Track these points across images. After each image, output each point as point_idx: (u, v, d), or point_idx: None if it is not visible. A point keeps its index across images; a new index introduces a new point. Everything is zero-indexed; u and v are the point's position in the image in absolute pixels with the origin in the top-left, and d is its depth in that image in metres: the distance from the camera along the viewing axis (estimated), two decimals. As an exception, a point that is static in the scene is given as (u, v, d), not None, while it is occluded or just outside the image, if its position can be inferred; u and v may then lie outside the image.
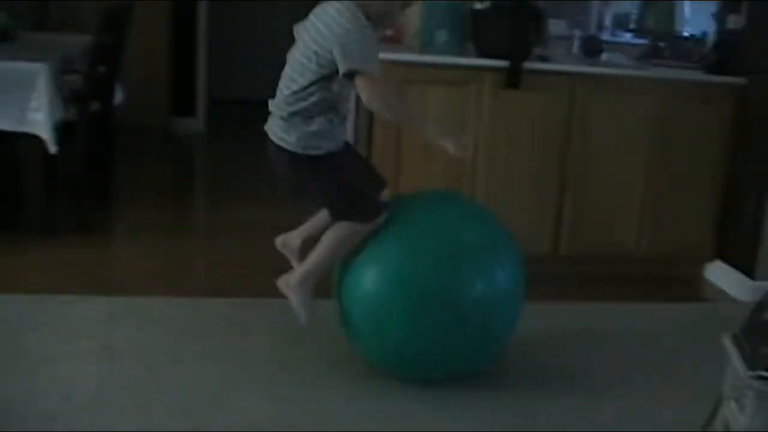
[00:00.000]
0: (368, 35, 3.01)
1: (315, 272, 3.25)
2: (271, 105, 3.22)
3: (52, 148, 4.58)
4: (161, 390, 3.12)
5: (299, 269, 3.28)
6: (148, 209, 5.63)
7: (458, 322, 3.08)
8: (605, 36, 6.65)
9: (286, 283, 3.29)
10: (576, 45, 5.30)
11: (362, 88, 2.99)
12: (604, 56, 5.13)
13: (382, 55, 4.40)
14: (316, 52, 3.03)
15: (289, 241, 3.47)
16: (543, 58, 4.62)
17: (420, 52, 4.58)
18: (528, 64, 4.46)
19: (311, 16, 3.13)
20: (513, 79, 4.44)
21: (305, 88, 3.07)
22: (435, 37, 4.66)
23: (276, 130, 3.16)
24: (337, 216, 3.19)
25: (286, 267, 3.40)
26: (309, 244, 3.34)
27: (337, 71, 2.99)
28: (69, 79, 4.98)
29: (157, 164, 7.15)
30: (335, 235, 3.18)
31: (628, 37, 6.80)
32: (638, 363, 3.70)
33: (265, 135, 3.24)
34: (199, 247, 5.13)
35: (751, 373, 2.18)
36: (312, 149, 3.11)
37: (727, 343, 2.38)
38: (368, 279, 3.14)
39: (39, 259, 4.51)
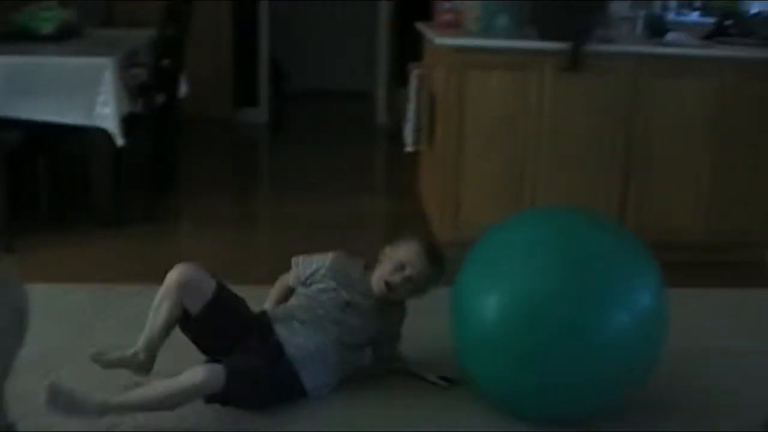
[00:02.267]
0: None
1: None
2: None
3: (119, 141, 4.65)
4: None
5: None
6: (212, 200, 5.68)
7: (592, 357, 2.72)
8: (670, 15, 6.52)
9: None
10: (639, 25, 5.22)
11: None
12: (668, 36, 5.04)
13: (443, 41, 4.44)
14: None
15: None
16: (605, 40, 4.56)
17: (480, 37, 4.56)
18: (590, 47, 4.42)
19: None
20: (574, 61, 4.39)
21: None
22: (495, 21, 4.64)
23: None
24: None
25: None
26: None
27: None
28: (135, 73, 5.04)
29: (222, 155, 7.21)
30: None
31: (693, 16, 6.67)
32: (706, 350, 3.63)
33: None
34: (263, 239, 5.16)
35: None
36: None
37: None
38: (489, 306, 2.83)
39: (106, 250, 4.58)
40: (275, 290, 3.37)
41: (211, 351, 3.02)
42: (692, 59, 4.60)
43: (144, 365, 3.00)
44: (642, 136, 4.56)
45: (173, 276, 3.00)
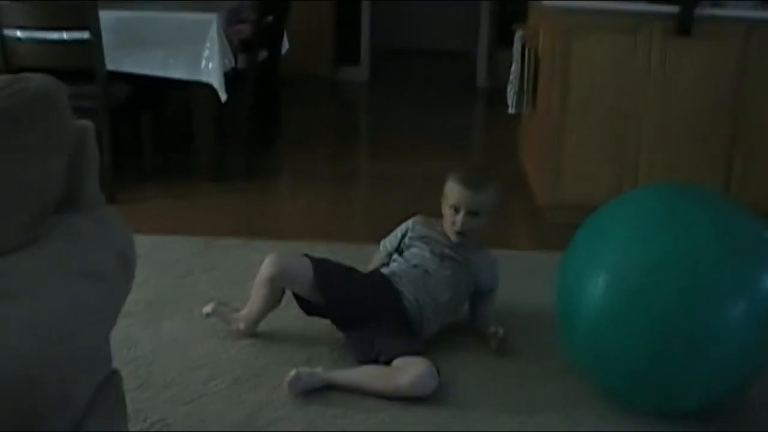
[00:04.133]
0: None
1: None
2: None
3: (223, 96, 4.70)
4: (318, 330, 3.15)
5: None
6: (311, 157, 5.73)
7: (707, 347, 2.52)
8: (785, -19, 6.34)
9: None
10: (752, -10, 5.08)
11: None
12: (783, 2, 4.90)
13: (549, 2, 4.37)
14: None
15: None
16: (716, 4, 4.44)
17: (587, -1, 4.49)
18: (700, 10, 4.31)
19: None
20: (684, 25, 4.29)
21: None
22: (603, -17, 4.55)
23: None
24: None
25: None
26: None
27: None
28: (238, 29, 5.08)
29: (322, 113, 7.25)
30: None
31: (810, -18, 6.48)
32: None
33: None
34: (361, 196, 5.18)
35: None
36: None
37: None
38: (601, 300, 2.64)
39: (208, 204, 4.66)
40: (373, 263, 3.37)
41: (347, 323, 3.04)
42: (806, 26, 4.46)
43: (243, 334, 3.09)
44: (751, 106, 4.43)
45: (264, 273, 3.02)
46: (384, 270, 3.18)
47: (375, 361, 2.86)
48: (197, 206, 4.63)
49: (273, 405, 2.70)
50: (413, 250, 3.20)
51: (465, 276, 3.16)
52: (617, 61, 4.35)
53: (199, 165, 4.99)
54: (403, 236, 3.27)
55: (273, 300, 3.05)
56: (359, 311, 3.00)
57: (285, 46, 5.92)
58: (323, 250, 3.87)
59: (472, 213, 3.12)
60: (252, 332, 3.09)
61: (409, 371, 2.76)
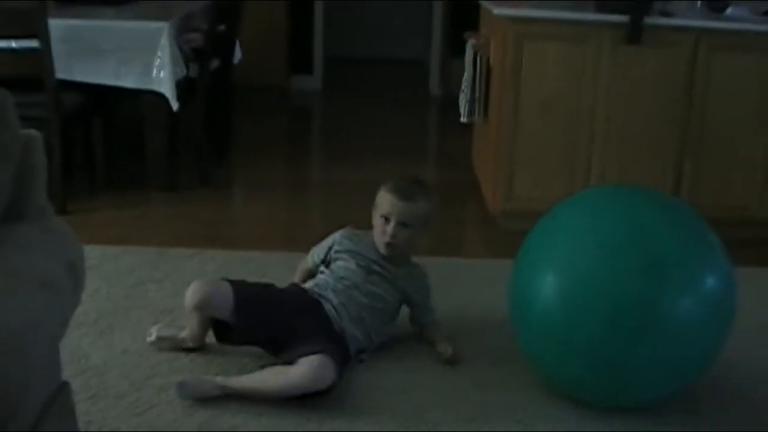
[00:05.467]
0: None
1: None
2: None
3: (174, 105, 4.68)
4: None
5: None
6: (265, 166, 5.71)
7: (660, 341, 2.61)
8: (732, -10, 6.43)
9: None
10: (700, -1, 5.15)
11: None
12: (729, 11, 4.96)
13: (501, 11, 4.40)
14: None
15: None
16: (665, 13, 4.50)
17: (539, 8, 4.51)
18: (649, 20, 4.36)
19: None
20: (633, 34, 4.34)
21: None
22: (554, -8, 4.60)
23: None
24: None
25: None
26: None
27: None
28: (190, 38, 5.06)
29: (275, 122, 7.24)
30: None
31: (755, -9, 6.58)
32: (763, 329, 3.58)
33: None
34: (314, 204, 5.18)
35: None
36: None
37: None
38: (553, 287, 2.72)
39: (160, 213, 4.64)
40: (298, 274, 3.36)
41: (269, 345, 2.99)
42: (752, 34, 4.52)
43: (195, 348, 3.06)
44: (699, 111, 4.50)
45: (189, 302, 2.97)
46: (308, 283, 3.17)
47: None
48: (150, 216, 4.61)
49: (226, 415, 2.69)
50: (339, 263, 3.18)
51: (392, 289, 3.14)
52: (568, 69, 4.39)
53: (152, 175, 4.96)
54: (330, 249, 3.25)
55: (207, 321, 3.01)
56: (282, 332, 2.95)
57: (238, 55, 5.90)
58: (279, 259, 3.88)
59: (402, 224, 3.10)
60: (202, 345, 3.07)
61: (303, 365, 2.73)
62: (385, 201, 3.12)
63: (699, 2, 5.09)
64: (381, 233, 3.13)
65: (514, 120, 4.42)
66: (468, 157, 5.66)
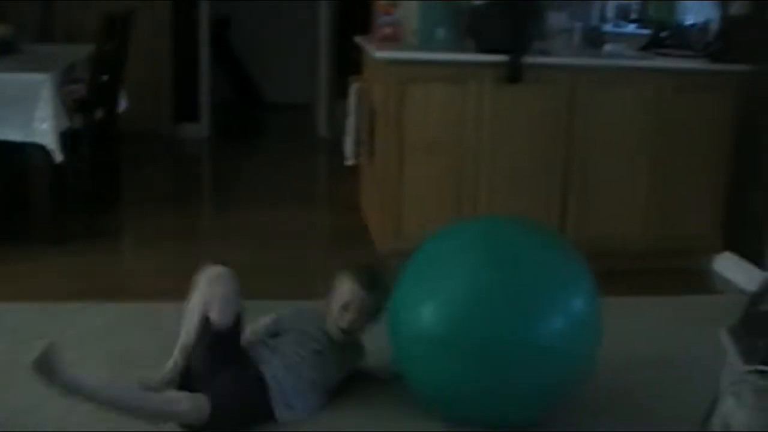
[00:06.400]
0: None
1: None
2: None
3: (58, 158, 4.61)
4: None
5: None
6: (155, 215, 5.65)
7: (531, 364, 2.76)
8: (608, 27, 6.61)
9: None
10: (577, 37, 5.29)
11: None
12: (605, 48, 5.12)
13: (381, 54, 4.45)
14: None
15: None
16: (543, 52, 4.62)
17: (419, 50, 4.58)
18: (528, 59, 4.46)
19: None
20: (513, 73, 4.44)
21: None
22: (434, 34, 4.67)
23: None
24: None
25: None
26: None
27: None
28: (73, 89, 5.01)
29: (163, 170, 7.18)
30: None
31: (631, 27, 6.77)
32: (644, 357, 3.67)
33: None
34: (207, 252, 5.13)
35: (748, 368, 2.11)
36: None
37: (724, 336, 2.31)
38: (427, 315, 2.86)
39: (48, 268, 4.54)
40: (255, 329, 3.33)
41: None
42: (629, 70, 4.67)
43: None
44: (581, 146, 4.62)
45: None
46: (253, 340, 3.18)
47: None
48: (36, 270, 4.50)
49: None
50: (287, 339, 3.16)
51: (338, 366, 3.18)
52: (450, 110, 4.46)
53: (36, 228, 4.86)
54: (278, 327, 3.26)
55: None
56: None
57: (122, 104, 5.85)
58: (171, 310, 3.82)
59: (360, 311, 3.14)
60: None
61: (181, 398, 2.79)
62: (346, 289, 3.16)
63: (577, 41, 5.24)
64: (338, 319, 3.15)
65: (399, 161, 4.47)
66: (356, 199, 5.69)
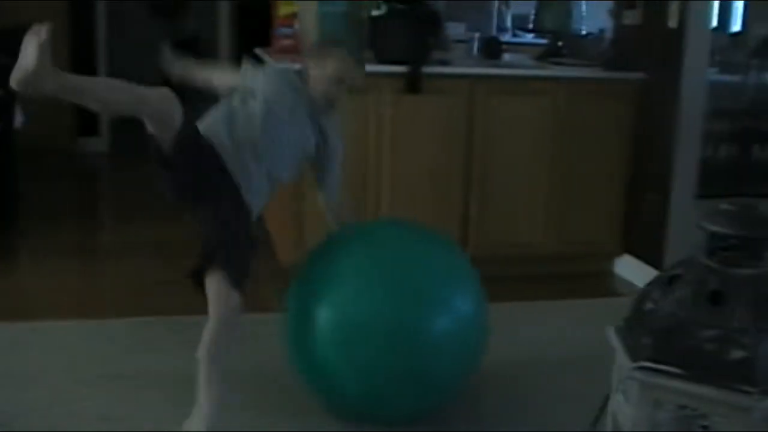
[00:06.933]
0: None
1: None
2: None
3: (-49, 174, 4.51)
4: (67, 416, 3.06)
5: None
6: (53, 232, 5.54)
7: (422, 361, 2.87)
8: (506, 37, 6.71)
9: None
10: (476, 47, 5.35)
11: None
12: (504, 57, 5.18)
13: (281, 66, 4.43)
14: None
15: None
16: (442, 62, 4.66)
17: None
18: (427, 69, 4.50)
19: None
20: (413, 84, 4.47)
21: None
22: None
23: None
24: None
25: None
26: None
27: None
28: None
29: (62, 185, 7.05)
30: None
31: (529, 37, 6.88)
32: (550, 360, 3.73)
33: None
34: (105, 268, 5.06)
35: (633, 364, 2.18)
36: None
37: (612, 335, 2.37)
38: (321, 321, 2.92)
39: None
40: (217, 77, 3.40)
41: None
42: (527, 79, 4.75)
43: None
44: (480, 154, 4.67)
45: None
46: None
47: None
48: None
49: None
50: (256, 105, 3.10)
51: (314, 134, 3.20)
52: (351, 121, 4.45)
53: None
54: (255, 89, 3.14)
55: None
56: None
57: (19, 119, 5.73)
58: (71, 327, 3.78)
59: (351, 82, 3.20)
60: None
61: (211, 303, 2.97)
62: (342, 64, 3.15)
63: (475, 50, 5.30)
64: (327, 90, 3.16)
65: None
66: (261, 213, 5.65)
